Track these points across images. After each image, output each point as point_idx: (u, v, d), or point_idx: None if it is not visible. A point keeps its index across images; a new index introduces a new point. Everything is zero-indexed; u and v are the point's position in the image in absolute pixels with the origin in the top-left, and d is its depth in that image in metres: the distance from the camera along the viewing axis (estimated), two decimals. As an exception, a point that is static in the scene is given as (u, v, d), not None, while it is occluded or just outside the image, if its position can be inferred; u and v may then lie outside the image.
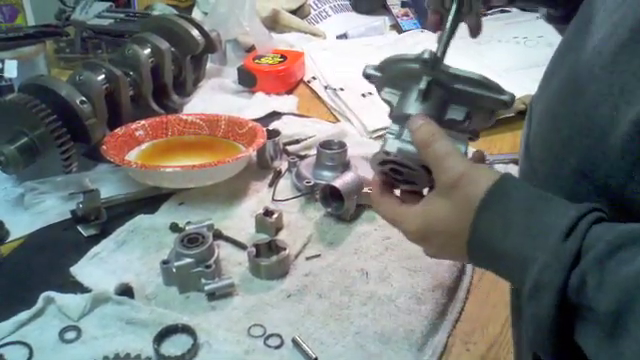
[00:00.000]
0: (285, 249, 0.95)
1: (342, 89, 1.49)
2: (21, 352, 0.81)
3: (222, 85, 1.56)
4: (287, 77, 1.55)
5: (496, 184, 0.55)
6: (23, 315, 0.86)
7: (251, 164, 1.21)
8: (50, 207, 1.10)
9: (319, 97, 1.52)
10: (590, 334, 0.47)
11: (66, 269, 0.95)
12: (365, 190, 1.07)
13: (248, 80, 1.52)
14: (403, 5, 1.96)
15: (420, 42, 1.77)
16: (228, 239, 1.02)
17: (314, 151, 1.18)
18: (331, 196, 1.06)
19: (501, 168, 1.11)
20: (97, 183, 1.12)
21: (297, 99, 1.50)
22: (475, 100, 0.64)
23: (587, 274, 0.46)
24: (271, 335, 0.84)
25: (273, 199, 1.12)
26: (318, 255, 0.99)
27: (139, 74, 1.32)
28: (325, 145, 1.15)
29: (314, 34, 1.84)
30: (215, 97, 1.51)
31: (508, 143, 1.29)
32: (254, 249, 0.95)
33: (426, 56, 0.63)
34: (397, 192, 0.68)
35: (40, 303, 0.87)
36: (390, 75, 0.68)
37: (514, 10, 1.88)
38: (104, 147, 1.14)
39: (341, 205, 1.05)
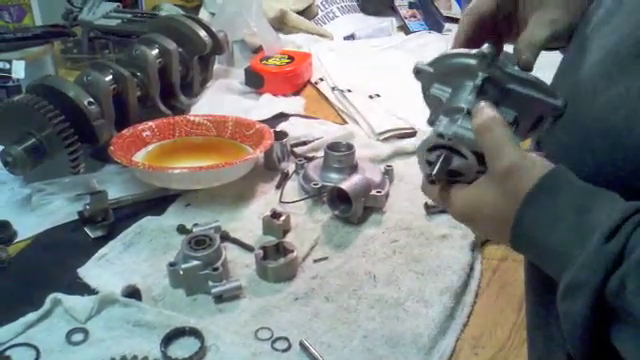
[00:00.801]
0: (292, 251, 0.95)
1: (350, 90, 1.48)
2: (28, 354, 0.81)
3: (229, 86, 1.56)
4: (294, 78, 1.55)
5: (546, 177, 0.54)
6: (30, 317, 0.86)
7: (258, 166, 1.20)
8: (57, 208, 1.10)
9: (326, 98, 1.52)
10: (628, 337, 0.47)
11: (73, 270, 0.95)
12: (372, 193, 1.07)
13: (255, 81, 1.52)
14: (411, 6, 1.95)
15: (428, 43, 1.77)
16: (235, 241, 1.02)
17: (321, 153, 1.18)
18: (338, 198, 1.06)
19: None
20: (104, 184, 1.13)
21: (304, 100, 1.50)
22: (526, 103, 0.64)
23: (627, 277, 0.46)
24: (278, 338, 0.83)
25: (280, 201, 1.12)
26: (325, 258, 0.98)
27: (146, 75, 1.32)
28: (333, 147, 1.15)
29: (321, 35, 1.83)
30: (222, 98, 1.51)
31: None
32: (261, 251, 0.95)
33: (486, 50, 0.63)
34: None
35: (47, 305, 0.87)
36: (442, 71, 0.67)
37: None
38: (111, 148, 1.14)
39: (349, 208, 1.04)
